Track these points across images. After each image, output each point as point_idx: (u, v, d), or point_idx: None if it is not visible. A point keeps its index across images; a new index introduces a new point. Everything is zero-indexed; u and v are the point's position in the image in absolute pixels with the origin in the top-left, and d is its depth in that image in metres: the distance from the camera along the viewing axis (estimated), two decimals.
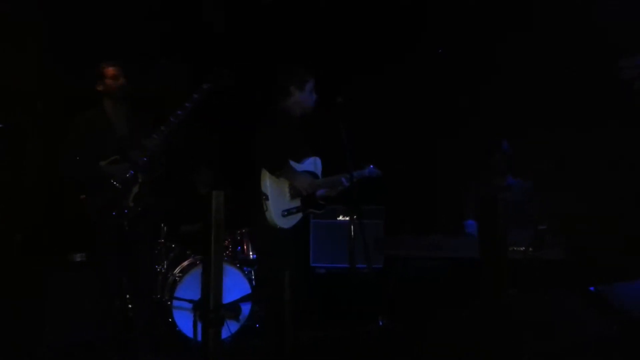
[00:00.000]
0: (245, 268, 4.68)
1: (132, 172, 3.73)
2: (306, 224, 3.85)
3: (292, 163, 3.67)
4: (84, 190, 3.77)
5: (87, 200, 3.74)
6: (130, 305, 4.07)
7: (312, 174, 3.76)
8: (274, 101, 3.77)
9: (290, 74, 3.76)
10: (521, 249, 3.98)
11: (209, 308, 2.41)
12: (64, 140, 3.83)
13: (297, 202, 3.65)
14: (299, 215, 3.66)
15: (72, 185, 3.97)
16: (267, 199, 3.56)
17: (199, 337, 3.66)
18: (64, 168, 3.83)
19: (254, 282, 4.68)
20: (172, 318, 4.33)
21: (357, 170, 3.78)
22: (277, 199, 3.59)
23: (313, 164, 3.80)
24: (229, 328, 4.25)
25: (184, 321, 4.29)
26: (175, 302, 4.32)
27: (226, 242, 4.84)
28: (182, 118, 3.69)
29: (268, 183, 3.58)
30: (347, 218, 5.35)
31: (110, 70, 3.85)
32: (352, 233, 4.18)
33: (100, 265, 3.81)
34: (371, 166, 3.89)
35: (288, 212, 3.59)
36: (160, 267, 4.68)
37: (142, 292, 3.94)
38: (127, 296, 4.06)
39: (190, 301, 4.06)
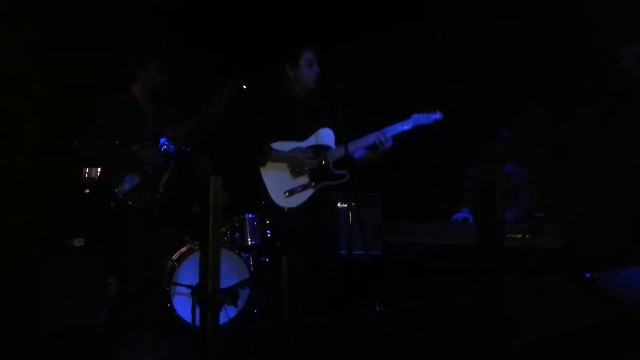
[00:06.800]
0: (243, 254, 4.70)
1: (165, 159, 3.80)
2: (324, 199, 3.64)
3: (292, 143, 3.60)
4: (111, 172, 3.78)
5: (113, 183, 3.73)
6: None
7: (321, 147, 3.62)
8: (277, 86, 3.74)
9: (282, 55, 3.68)
10: (518, 236, 4.00)
11: (207, 293, 2.42)
12: (93, 121, 3.79)
13: (303, 180, 3.57)
14: (308, 192, 3.55)
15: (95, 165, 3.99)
16: (265, 185, 3.55)
17: (197, 322, 3.70)
18: (90, 149, 3.79)
19: (252, 267, 4.70)
20: (171, 303, 4.36)
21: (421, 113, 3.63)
22: (277, 181, 3.55)
23: (321, 136, 3.64)
24: (227, 313, 4.28)
25: (183, 306, 4.32)
26: (174, 288, 4.34)
27: (224, 228, 4.86)
28: (210, 112, 3.74)
29: (263, 170, 3.56)
30: (345, 205, 5.36)
31: (158, 64, 3.83)
32: (350, 220, 4.18)
33: (127, 249, 3.80)
34: (437, 112, 3.66)
35: (291, 192, 3.54)
36: None
37: (155, 277, 3.98)
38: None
39: (188, 286, 4.08)
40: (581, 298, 3.17)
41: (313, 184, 3.57)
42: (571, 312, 3.14)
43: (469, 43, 5.41)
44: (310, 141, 3.64)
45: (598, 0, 4.54)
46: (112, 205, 3.76)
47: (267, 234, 4.83)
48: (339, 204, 5.53)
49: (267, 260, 4.85)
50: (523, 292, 3.23)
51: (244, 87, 3.73)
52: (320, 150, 3.62)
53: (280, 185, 3.56)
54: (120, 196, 3.70)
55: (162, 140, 3.79)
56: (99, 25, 5.15)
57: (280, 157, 3.57)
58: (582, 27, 4.67)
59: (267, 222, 4.83)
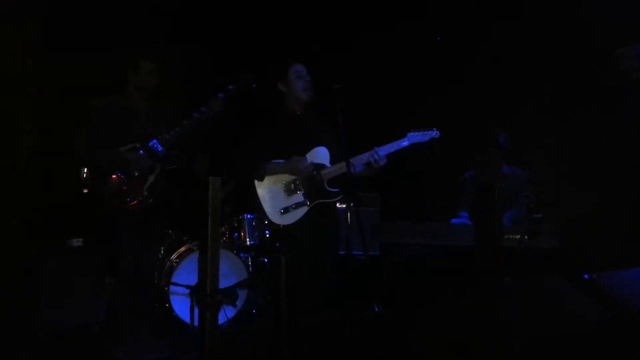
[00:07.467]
0: (242, 254, 4.70)
1: (151, 161, 3.79)
2: (323, 212, 3.64)
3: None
4: (97, 173, 3.78)
5: (100, 183, 3.73)
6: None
7: (316, 165, 3.62)
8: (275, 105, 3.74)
9: (273, 74, 3.68)
10: (516, 237, 4.00)
11: (206, 293, 2.42)
12: (87, 121, 3.79)
13: (296, 198, 3.58)
14: (303, 210, 3.56)
15: (84, 165, 4.02)
16: (259, 200, 3.56)
17: (196, 322, 3.71)
18: (82, 149, 3.79)
19: (250, 268, 4.70)
20: (169, 303, 4.35)
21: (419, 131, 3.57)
22: (272, 199, 3.56)
23: (316, 155, 3.65)
24: (226, 314, 4.28)
25: (181, 306, 4.32)
26: (172, 288, 4.34)
27: (223, 228, 4.85)
28: (205, 117, 3.73)
29: (258, 185, 3.58)
30: (344, 205, 5.37)
31: (148, 66, 3.84)
32: (349, 220, 4.18)
33: (118, 248, 3.81)
34: (434, 130, 3.57)
35: (285, 210, 3.55)
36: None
37: (145, 277, 3.97)
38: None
39: (187, 287, 4.09)
40: (579, 299, 3.17)
41: (307, 202, 3.57)
42: (569, 313, 3.14)
43: (469, 43, 5.41)
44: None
45: (598, 0, 4.54)
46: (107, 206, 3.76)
47: (265, 234, 4.82)
48: (337, 205, 5.57)
49: (266, 260, 4.85)
50: (521, 292, 3.23)
51: (248, 89, 3.74)
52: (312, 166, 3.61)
53: (275, 202, 3.56)
54: (103, 196, 3.71)
55: (153, 141, 3.78)
56: (99, 25, 5.14)
57: (278, 167, 3.57)
58: (582, 27, 4.67)
59: (266, 222, 4.84)
